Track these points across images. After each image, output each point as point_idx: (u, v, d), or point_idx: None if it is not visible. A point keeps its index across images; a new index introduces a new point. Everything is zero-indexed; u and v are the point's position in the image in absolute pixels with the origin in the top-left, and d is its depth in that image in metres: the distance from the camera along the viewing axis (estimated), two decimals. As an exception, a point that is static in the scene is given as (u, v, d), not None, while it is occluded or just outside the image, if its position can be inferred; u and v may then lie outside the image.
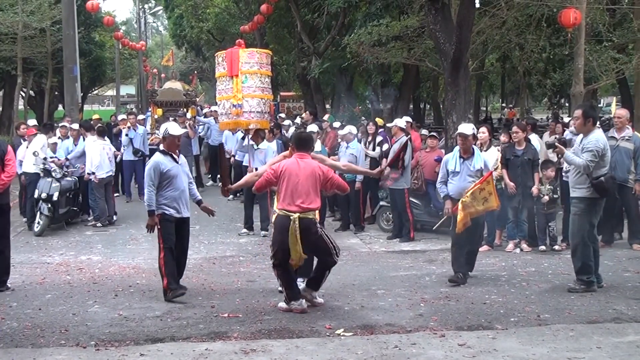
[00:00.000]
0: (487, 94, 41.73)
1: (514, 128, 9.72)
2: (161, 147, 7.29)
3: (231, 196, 14.94)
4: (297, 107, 27.86)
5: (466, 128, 7.72)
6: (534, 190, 9.25)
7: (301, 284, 6.65)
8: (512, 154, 9.44)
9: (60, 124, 13.17)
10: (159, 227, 6.98)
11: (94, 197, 11.95)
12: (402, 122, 11.37)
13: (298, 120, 17.03)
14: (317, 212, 6.49)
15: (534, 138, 10.43)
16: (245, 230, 10.98)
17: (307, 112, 16.83)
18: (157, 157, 7.10)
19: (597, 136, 6.95)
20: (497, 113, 42.39)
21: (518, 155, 9.37)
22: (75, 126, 13.12)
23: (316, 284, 6.56)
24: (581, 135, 7.14)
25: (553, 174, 9.48)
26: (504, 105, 38.36)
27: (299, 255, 6.25)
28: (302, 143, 6.64)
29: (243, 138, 10.47)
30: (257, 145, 10.59)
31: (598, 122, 7.42)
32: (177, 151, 7.22)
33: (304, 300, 6.41)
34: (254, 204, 11.05)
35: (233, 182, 13.30)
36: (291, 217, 6.22)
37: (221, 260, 9.18)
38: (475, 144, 7.88)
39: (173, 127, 7.18)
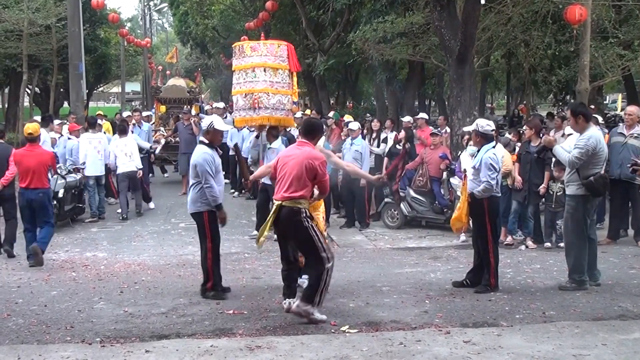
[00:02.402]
0: (492, 91, 41.58)
1: (525, 126, 9.70)
2: (201, 138, 7.05)
3: (236, 193, 14.87)
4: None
5: (468, 127, 7.66)
6: (542, 189, 9.22)
7: (306, 281, 6.60)
8: (525, 150, 9.43)
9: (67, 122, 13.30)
10: (208, 224, 6.75)
11: (90, 193, 12.03)
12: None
13: (299, 114, 17.00)
14: (303, 201, 6.02)
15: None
16: (256, 232, 10.81)
17: (314, 111, 16.82)
18: (205, 149, 6.77)
19: (591, 134, 6.78)
20: (502, 110, 42.21)
21: (530, 152, 9.35)
22: (57, 121, 13.24)
23: (308, 296, 5.89)
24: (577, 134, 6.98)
25: (563, 173, 9.44)
26: (488, 105, 37.83)
27: (261, 236, 6.21)
28: (309, 130, 6.41)
29: (257, 137, 10.22)
30: (270, 144, 10.40)
31: (601, 119, 7.31)
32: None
33: (290, 300, 6.18)
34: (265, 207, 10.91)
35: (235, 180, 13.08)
36: (275, 204, 6.13)
37: (226, 257, 9.14)
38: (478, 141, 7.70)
39: (218, 122, 6.96)
